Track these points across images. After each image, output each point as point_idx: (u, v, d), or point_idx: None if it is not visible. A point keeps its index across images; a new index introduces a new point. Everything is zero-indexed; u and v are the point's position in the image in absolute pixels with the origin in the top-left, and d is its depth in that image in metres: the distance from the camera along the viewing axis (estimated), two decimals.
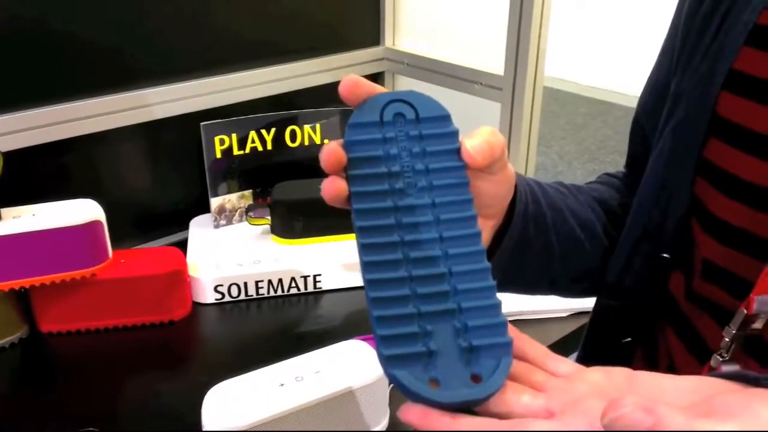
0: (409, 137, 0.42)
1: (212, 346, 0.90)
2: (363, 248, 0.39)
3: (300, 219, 1.02)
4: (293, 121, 1.10)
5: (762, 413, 0.30)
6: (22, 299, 0.86)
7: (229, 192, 1.09)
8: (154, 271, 0.87)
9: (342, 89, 0.41)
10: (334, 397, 0.65)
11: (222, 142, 1.05)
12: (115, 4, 0.97)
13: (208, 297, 0.94)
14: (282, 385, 0.65)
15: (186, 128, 1.06)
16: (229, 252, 1.01)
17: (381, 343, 0.36)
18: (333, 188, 0.40)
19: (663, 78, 0.60)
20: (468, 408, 0.35)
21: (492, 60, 1.13)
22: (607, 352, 0.64)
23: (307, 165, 1.10)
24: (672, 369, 0.56)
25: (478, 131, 0.43)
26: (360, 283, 0.38)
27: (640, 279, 0.59)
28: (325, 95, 1.20)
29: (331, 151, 0.40)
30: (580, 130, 3.99)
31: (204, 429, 0.63)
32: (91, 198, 0.86)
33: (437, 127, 0.42)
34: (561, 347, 0.87)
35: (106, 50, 0.99)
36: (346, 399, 0.66)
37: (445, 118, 0.43)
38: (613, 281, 0.61)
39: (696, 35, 0.55)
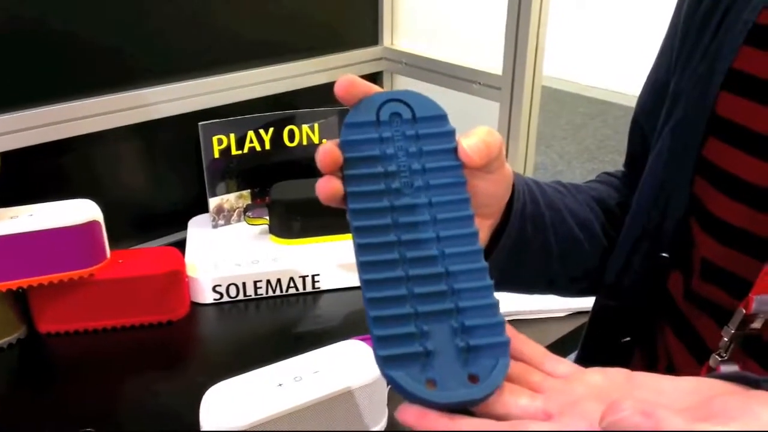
0: (405, 137, 0.42)
1: (210, 347, 0.90)
2: (359, 248, 0.38)
3: (298, 219, 1.02)
4: (291, 120, 1.09)
5: (762, 415, 0.30)
6: (20, 300, 0.86)
7: (228, 192, 1.08)
8: (152, 271, 0.87)
9: (337, 89, 0.41)
10: (332, 398, 0.65)
11: (220, 142, 1.05)
12: (115, 4, 0.97)
13: (207, 297, 0.94)
14: (280, 385, 0.65)
15: (184, 128, 1.06)
16: (227, 252, 1.01)
17: (377, 344, 0.36)
18: (328, 188, 0.40)
19: (662, 77, 0.60)
20: (465, 409, 0.35)
21: (490, 59, 1.13)
22: (606, 352, 0.64)
23: (305, 165, 1.10)
24: (671, 369, 0.56)
25: (475, 130, 0.43)
26: (359, 283, 0.38)
27: (639, 279, 0.59)
28: (323, 95, 1.20)
29: (327, 151, 0.40)
30: (579, 129, 3.99)
31: (202, 429, 0.63)
32: (89, 198, 0.86)
33: (434, 127, 0.42)
34: (559, 347, 0.87)
35: (106, 50, 0.98)
36: (344, 399, 0.66)
37: (442, 117, 0.42)
38: (612, 281, 0.61)
39: (695, 34, 0.55)
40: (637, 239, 0.59)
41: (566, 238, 0.59)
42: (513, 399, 0.36)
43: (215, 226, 1.08)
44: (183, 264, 0.91)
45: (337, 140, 0.41)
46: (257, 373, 0.67)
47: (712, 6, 0.54)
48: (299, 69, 1.19)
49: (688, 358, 0.55)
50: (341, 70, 1.24)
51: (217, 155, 1.05)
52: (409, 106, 0.42)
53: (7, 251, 0.79)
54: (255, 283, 0.94)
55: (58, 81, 0.95)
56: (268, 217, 1.04)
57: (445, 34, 1.24)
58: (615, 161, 3.47)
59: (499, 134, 0.44)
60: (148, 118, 1.03)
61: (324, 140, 1.09)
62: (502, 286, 0.52)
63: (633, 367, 0.38)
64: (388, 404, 0.72)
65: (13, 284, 0.81)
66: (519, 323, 0.89)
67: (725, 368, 0.47)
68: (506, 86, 1.09)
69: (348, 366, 0.68)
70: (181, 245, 1.00)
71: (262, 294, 0.95)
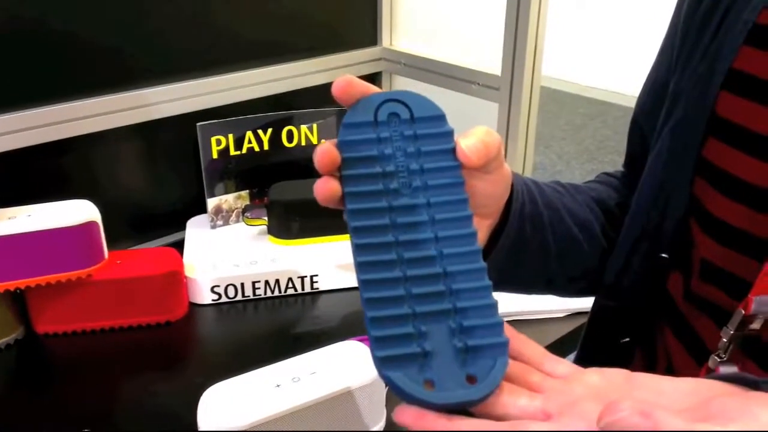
0: (403, 137, 0.41)
1: (209, 347, 0.89)
2: (357, 249, 0.38)
3: (297, 219, 1.02)
4: (290, 121, 1.09)
5: (761, 416, 0.30)
6: (18, 300, 0.85)
7: (226, 192, 1.08)
8: (150, 271, 0.87)
9: (335, 89, 0.41)
10: (330, 398, 0.65)
11: (219, 142, 1.05)
12: (115, 4, 0.97)
13: (205, 298, 0.94)
14: (278, 385, 0.65)
15: (183, 128, 1.06)
16: (225, 252, 1.00)
17: (375, 345, 0.36)
18: (325, 189, 0.40)
19: (662, 77, 0.60)
20: (464, 409, 0.35)
21: (489, 60, 1.13)
22: (606, 352, 0.63)
23: (304, 165, 1.10)
24: (670, 369, 0.56)
25: (473, 131, 0.43)
26: (357, 283, 0.38)
27: (639, 279, 0.59)
28: (322, 95, 1.20)
29: (325, 151, 0.40)
30: (579, 130, 3.99)
31: (200, 430, 0.63)
32: (87, 198, 0.86)
33: (432, 127, 0.42)
34: (558, 348, 0.87)
35: (106, 50, 0.98)
36: (342, 400, 0.66)
37: (440, 117, 0.42)
38: (612, 281, 0.61)
39: (695, 34, 0.55)
40: (636, 239, 0.59)
41: (564, 238, 0.59)
42: (512, 399, 0.36)
43: (214, 227, 1.08)
44: (181, 264, 0.91)
45: (335, 140, 0.41)
46: (255, 374, 0.67)
47: (712, 6, 0.54)
48: (298, 69, 1.19)
49: (687, 358, 0.54)
50: (340, 71, 1.24)
51: (215, 156, 1.05)
52: (407, 106, 0.42)
53: (4, 252, 0.79)
54: (253, 283, 0.94)
55: (58, 81, 0.95)
56: (266, 218, 1.04)
57: (444, 35, 1.24)
58: (614, 162, 3.47)
59: (498, 134, 0.44)
60: (148, 118, 1.03)
61: (323, 141, 1.09)
62: (500, 286, 0.52)
63: (632, 368, 0.38)
64: (386, 405, 0.72)
65: (11, 285, 0.80)
66: (518, 323, 0.89)
67: (724, 369, 0.47)
68: (505, 87, 1.09)
69: (346, 367, 0.68)
70: (179, 246, 0.99)
71: (260, 294, 0.95)
